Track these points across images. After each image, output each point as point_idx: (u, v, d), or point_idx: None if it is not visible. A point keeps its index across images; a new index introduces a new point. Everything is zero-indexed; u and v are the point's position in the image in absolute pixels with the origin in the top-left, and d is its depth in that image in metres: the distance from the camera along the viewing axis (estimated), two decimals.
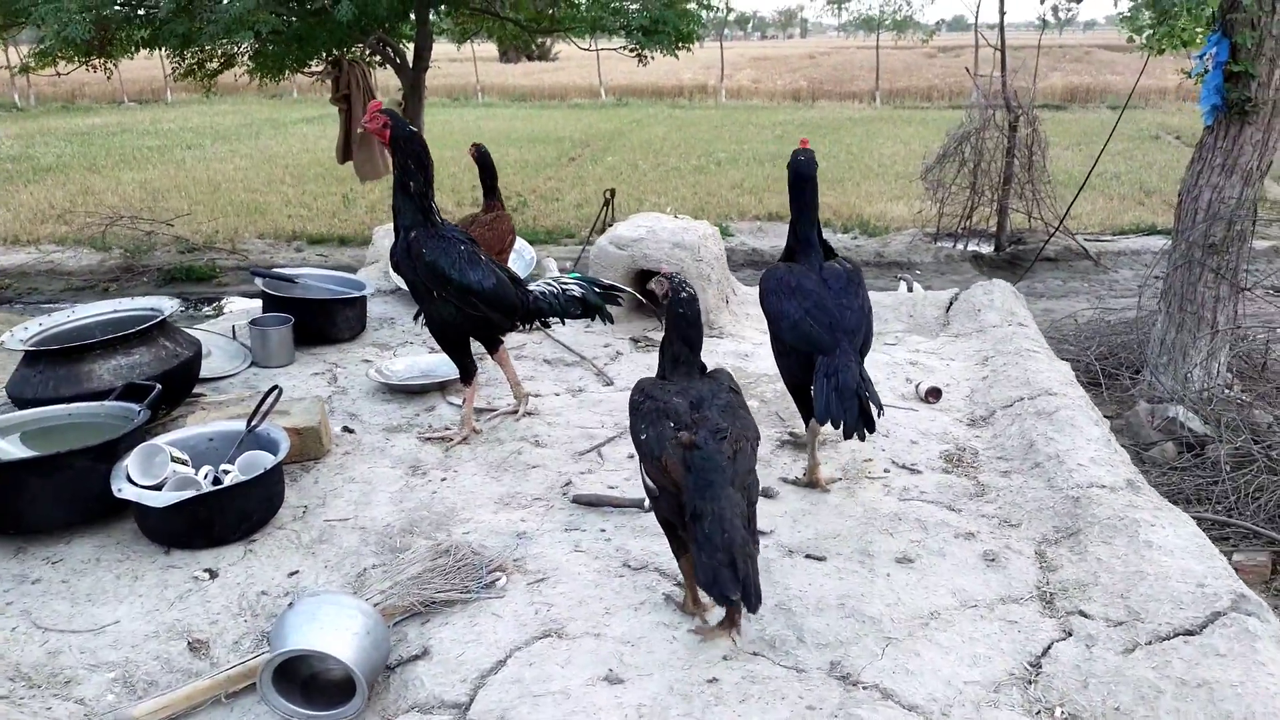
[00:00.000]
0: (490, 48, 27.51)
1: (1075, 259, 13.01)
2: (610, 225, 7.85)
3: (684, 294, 2.15)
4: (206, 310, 10.05)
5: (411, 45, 9.68)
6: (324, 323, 3.88)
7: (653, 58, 9.29)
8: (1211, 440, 6.10)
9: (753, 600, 1.82)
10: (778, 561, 2.30)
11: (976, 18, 23.53)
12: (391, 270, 4.46)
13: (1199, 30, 4.83)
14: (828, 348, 2.53)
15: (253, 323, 3.71)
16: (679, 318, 2.15)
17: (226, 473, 2.58)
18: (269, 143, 19.05)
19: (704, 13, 9.50)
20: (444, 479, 2.84)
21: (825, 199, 15.02)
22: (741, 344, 3.92)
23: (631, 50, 9.19)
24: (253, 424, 2.72)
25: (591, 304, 3.10)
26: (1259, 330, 8.32)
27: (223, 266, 11.55)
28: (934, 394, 3.31)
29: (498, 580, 2.30)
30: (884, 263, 12.53)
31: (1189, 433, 6.28)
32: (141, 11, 8.17)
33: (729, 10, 10.51)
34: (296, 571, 2.37)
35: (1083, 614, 2.03)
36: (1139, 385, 7.36)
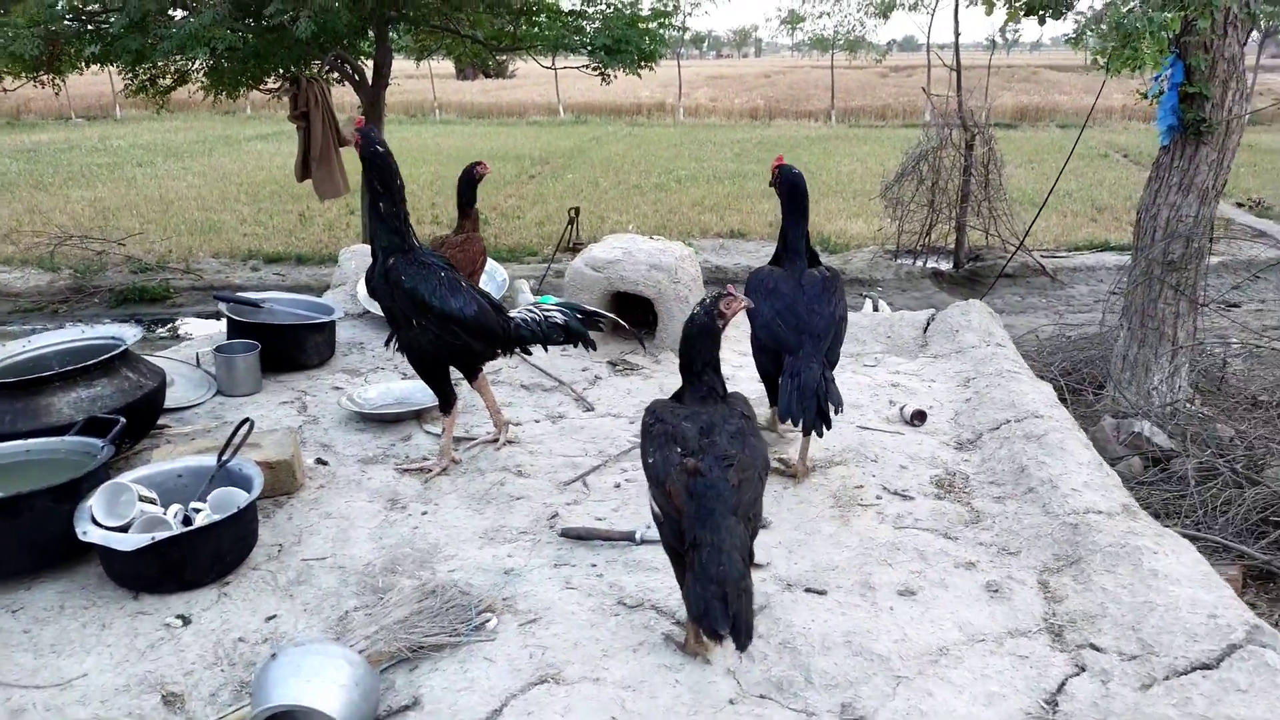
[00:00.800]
0: (447, 65, 27.40)
1: (1032, 275, 13.21)
2: (575, 243, 7.76)
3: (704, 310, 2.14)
4: (161, 332, 9.80)
5: (371, 62, 9.57)
6: (292, 349, 3.75)
7: (616, 76, 9.28)
8: (1177, 455, 6.17)
9: (742, 637, 1.76)
10: (778, 596, 2.23)
11: (929, 38, 23.94)
12: (363, 294, 4.35)
13: (1159, 52, 4.91)
14: (792, 348, 2.74)
15: (218, 350, 3.58)
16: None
17: (198, 511, 2.46)
18: (222, 160, 18.73)
19: (666, 32, 9.49)
20: (425, 513, 2.73)
21: None
22: (722, 367, 3.85)
23: (595, 69, 9.17)
24: (224, 459, 2.59)
25: (574, 330, 3.03)
26: (1216, 345, 8.47)
27: (177, 287, 11.30)
28: (919, 417, 3.27)
29: (488, 621, 2.21)
30: (845, 280, 12.58)
31: (1154, 447, 6.35)
32: (91, 27, 7.97)
33: (685, 30, 10.53)
34: (274, 616, 2.26)
35: (1094, 647, 1.98)
36: (1103, 401, 7.44)
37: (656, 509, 1.98)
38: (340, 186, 9.21)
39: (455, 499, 2.82)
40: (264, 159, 18.87)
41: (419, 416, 3.35)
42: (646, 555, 2.45)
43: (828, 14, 23.88)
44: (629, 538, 2.52)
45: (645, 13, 9.43)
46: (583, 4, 9.63)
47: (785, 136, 23.31)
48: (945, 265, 13.73)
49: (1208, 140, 6.62)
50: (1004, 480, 2.80)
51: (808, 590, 2.27)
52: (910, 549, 2.44)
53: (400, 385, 3.57)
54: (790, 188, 2.96)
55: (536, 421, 3.37)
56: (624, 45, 8.91)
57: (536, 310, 3.03)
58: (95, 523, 2.34)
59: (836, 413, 2.62)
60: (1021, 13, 5.43)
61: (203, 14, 6.71)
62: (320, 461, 3.04)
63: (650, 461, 1.99)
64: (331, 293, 4.66)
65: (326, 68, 9.11)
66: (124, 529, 2.37)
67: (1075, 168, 19.88)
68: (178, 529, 2.36)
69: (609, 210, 15.58)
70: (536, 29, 9.54)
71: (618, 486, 2.86)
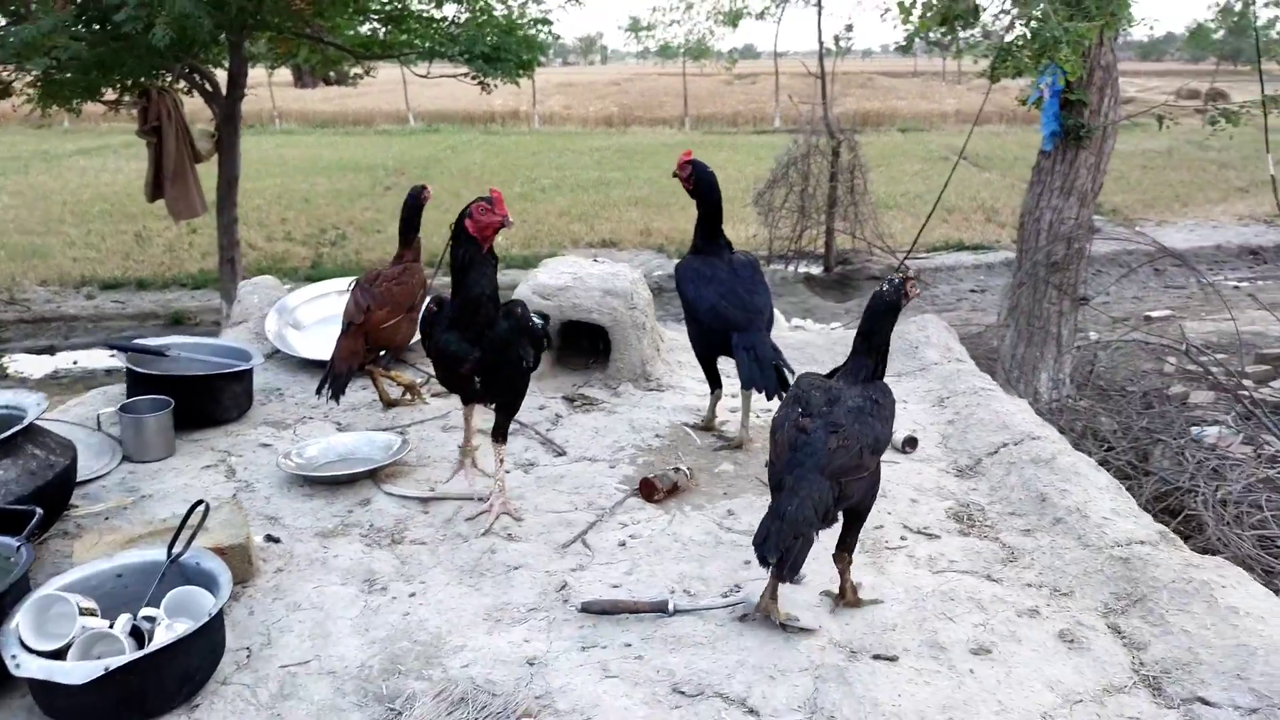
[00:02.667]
0: (285, 71, 26.09)
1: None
2: None
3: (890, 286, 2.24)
4: None
5: (224, 71, 8.88)
6: (207, 402, 3.28)
7: (496, 85, 8.95)
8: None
9: (785, 570, 2.02)
10: (850, 668, 2.02)
11: (775, 47, 24.48)
12: (272, 331, 3.90)
13: (1078, 58, 5.01)
14: (741, 325, 2.96)
15: (122, 409, 3.08)
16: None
17: (151, 620, 2.04)
18: (41, 178, 17.15)
19: (548, 39, 9.24)
20: (412, 594, 2.38)
21: (655, 224, 15.09)
22: (686, 396, 3.64)
23: (474, 78, 8.82)
24: (176, 552, 2.17)
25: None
26: (1085, 340, 8.90)
27: (1, 320, 10.20)
28: (911, 443, 3.15)
29: None
30: None
31: None
32: None
33: (558, 37, 10.27)
34: None
35: (1204, 701, 1.87)
36: None
37: (769, 457, 2.20)
38: (197, 206, 8.48)
39: (442, 574, 2.48)
40: (89, 176, 17.40)
41: (374, 475, 2.97)
42: (685, 629, 2.19)
43: (678, 22, 24.01)
44: (660, 609, 2.26)
45: (523, 20, 9.14)
46: (456, 11, 9.24)
47: (643, 143, 23.32)
48: (816, 269, 14.00)
49: (1087, 145, 6.91)
50: (1025, 510, 2.70)
51: (876, 657, 2.07)
52: (963, 598, 2.28)
53: (341, 439, 3.17)
54: (707, 186, 3.14)
55: (508, 472, 3.04)
56: (503, 53, 8.60)
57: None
58: (27, 649, 1.90)
59: (792, 378, 2.80)
60: (935, 22, 5.46)
61: (42, 20, 5.96)
62: (271, 539, 2.62)
63: (775, 416, 2.22)
64: (231, 331, 4.16)
65: (176, 79, 8.37)
66: (61, 652, 1.93)
67: (920, 170, 20.76)
68: (131, 649, 1.94)
69: None
70: (407, 35, 9.10)
71: (623, 545, 2.59)
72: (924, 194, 17.84)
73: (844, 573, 2.25)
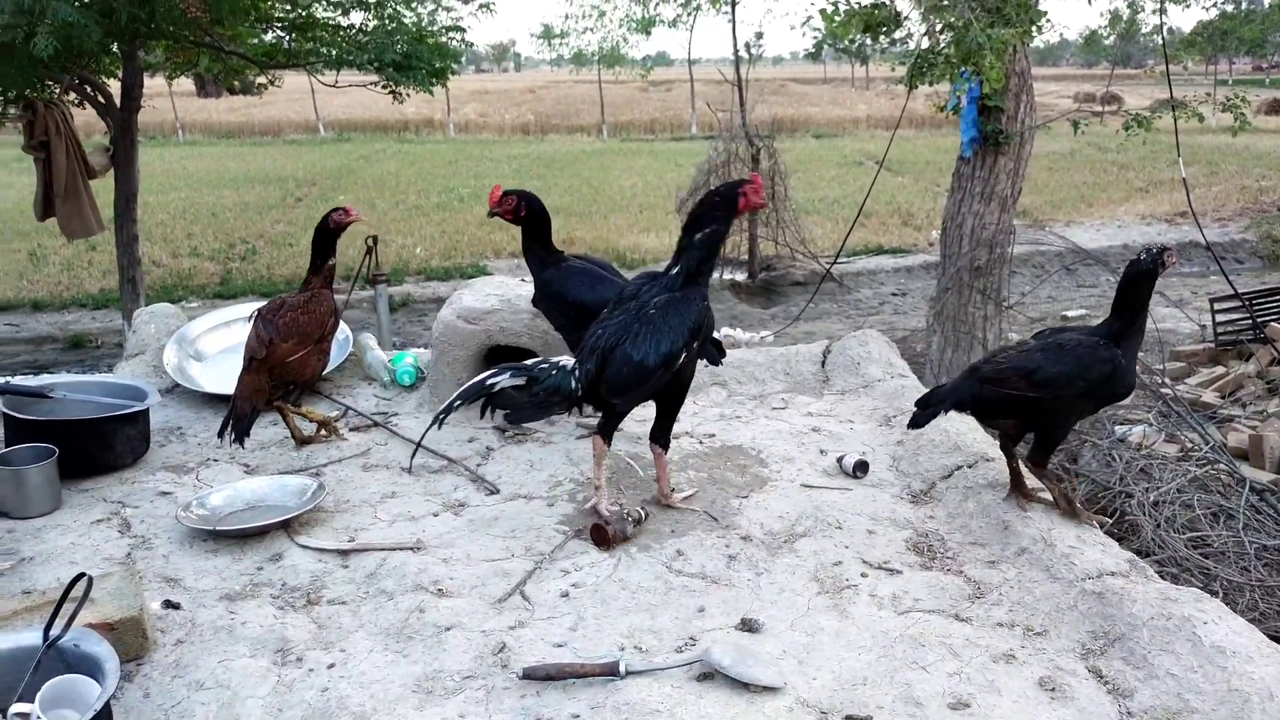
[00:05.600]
0: (187, 81, 25.19)
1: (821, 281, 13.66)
2: (375, 275, 7.19)
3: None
4: None
5: (118, 82, 8.41)
6: (98, 448, 2.97)
7: (409, 94, 8.67)
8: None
9: (911, 422, 2.74)
10: None
11: (689, 55, 24.52)
12: (171, 364, 3.59)
13: (1002, 65, 4.99)
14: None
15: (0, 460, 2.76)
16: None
17: (22, 717, 1.76)
18: None
19: (460, 47, 8.99)
20: (331, 665, 2.13)
21: (578, 233, 14.91)
22: (625, 422, 3.44)
23: (385, 87, 8.52)
24: (53, 635, 1.89)
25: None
26: (1006, 343, 8.99)
27: None
28: (862, 468, 3.01)
29: None
30: None
31: None
32: None
33: (471, 44, 10.02)
34: None
35: None
36: None
37: None
38: (92, 224, 8.00)
39: (365, 639, 2.23)
40: None
41: (287, 526, 2.70)
42: (639, 693, 1.99)
43: (591, 30, 23.97)
44: (611, 671, 2.05)
45: (434, 27, 8.89)
46: (364, 19, 8.94)
47: (561, 152, 23.12)
48: (741, 276, 13.96)
49: (1005, 150, 6.94)
50: (987, 540, 2.57)
51: (849, 718, 1.90)
52: (935, 643, 2.13)
53: (249, 485, 2.90)
54: (538, 206, 3.17)
55: (435, 515, 2.80)
56: (415, 62, 8.34)
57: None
58: None
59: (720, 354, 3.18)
60: (858, 28, 5.39)
61: None
62: (170, 604, 2.34)
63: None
64: (128, 364, 3.82)
65: (65, 90, 7.88)
66: None
67: (836, 175, 20.99)
68: None
69: (392, 234, 14.75)
70: (313, 44, 8.75)
71: (565, 595, 2.38)
72: (841, 199, 18.01)
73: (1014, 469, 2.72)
